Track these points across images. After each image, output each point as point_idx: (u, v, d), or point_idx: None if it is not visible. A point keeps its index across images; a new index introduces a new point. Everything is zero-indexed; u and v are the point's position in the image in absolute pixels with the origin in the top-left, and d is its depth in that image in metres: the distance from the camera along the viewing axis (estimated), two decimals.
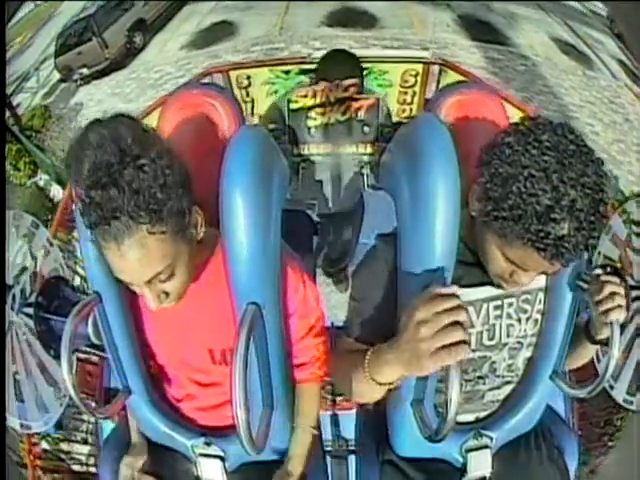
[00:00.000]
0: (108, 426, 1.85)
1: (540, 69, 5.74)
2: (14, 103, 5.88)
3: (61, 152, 5.47)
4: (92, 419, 2.11)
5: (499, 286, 0.92)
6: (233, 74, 2.65)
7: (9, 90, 5.89)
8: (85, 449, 2.32)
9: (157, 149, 0.81)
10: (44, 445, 2.18)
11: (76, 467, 2.36)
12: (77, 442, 2.32)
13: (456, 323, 0.73)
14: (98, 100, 6.23)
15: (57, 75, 6.63)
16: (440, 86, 2.56)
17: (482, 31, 6.12)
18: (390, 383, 0.85)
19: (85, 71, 6.49)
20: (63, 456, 2.37)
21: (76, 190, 0.80)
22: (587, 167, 0.76)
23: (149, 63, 6.50)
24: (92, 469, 2.26)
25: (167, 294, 0.89)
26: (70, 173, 0.80)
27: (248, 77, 2.63)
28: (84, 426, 2.25)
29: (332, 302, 2.51)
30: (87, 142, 0.79)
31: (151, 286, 0.86)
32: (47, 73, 6.73)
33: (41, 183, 5.13)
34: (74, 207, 0.85)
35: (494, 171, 0.80)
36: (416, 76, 2.56)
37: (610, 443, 2.08)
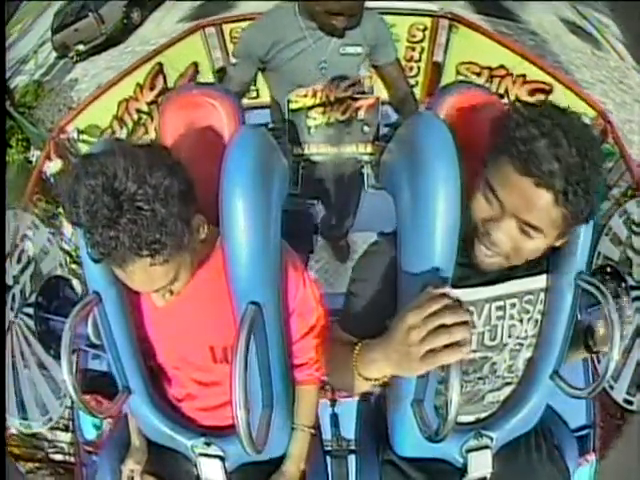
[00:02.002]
0: (86, 418, 1.84)
1: (550, 45, 5.74)
2: (12, 85, 5.85)
3: (50, 124, 5.39)
4: (69, 405, 2.02)
5: (469, 246, 0.89)
6: (227, 28, 2.52)
7: (7, 74, 5.87)
8: (67, 437, 2.24)
9: (155, 174, 0.79)
10: (13, 430, 2.04)
11: (57, 456, 2.28)
12: (59, 429, 2.22)
13: (446, 325, 0.72)
14: (93, 75, 6.14)
15: (54, 55, 6.55)
16: (449, 44, 2.40)
17: (490, 7, 6.09)
18: (377, 379, 0.86)
19: (81, 47, 6.39)
20: (45, 444, 2.27)
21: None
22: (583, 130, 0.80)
23: (145, 37, 6.38)
24: (72, 459, 2.20)
25: (172, 292, 0.91)
26: (67, 216, 0.81)
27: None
28: (65, 412, 2.12)
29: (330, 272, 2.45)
30: (79, 197, 0.77)
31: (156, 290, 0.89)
32: (45, 55, 6.68)
33: (33, 159, 5.05)
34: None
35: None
36: (424, 31, 2.40)
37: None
